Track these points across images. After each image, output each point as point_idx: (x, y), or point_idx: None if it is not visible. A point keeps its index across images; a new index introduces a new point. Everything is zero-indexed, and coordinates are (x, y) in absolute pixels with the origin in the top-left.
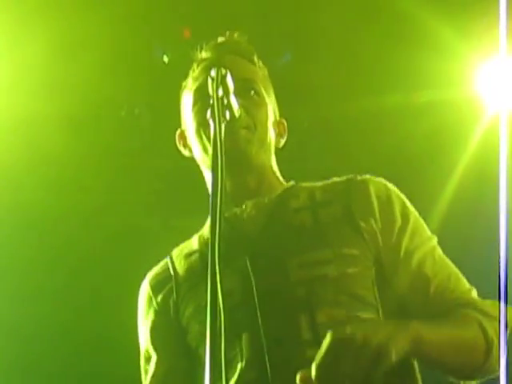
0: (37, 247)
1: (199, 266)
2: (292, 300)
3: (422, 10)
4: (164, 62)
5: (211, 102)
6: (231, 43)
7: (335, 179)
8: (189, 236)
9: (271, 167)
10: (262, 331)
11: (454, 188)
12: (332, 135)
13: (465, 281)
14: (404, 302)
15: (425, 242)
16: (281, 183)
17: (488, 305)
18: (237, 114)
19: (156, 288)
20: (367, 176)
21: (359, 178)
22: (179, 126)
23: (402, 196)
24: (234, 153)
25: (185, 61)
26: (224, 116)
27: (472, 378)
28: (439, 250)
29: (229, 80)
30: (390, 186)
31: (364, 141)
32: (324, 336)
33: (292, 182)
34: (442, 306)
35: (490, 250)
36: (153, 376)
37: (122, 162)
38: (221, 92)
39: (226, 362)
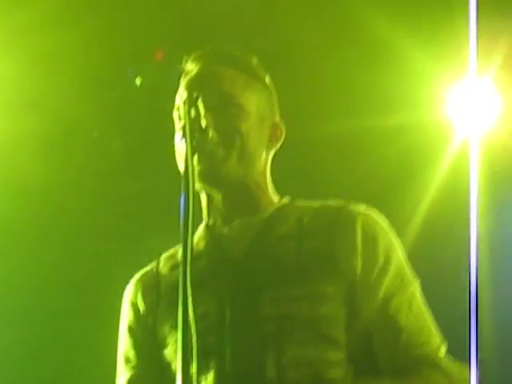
0: (8, 266)
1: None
2: (261, 335)
3: (392, 33)
4: (136, 85)
5: (183, 123)
6: (214, 53)
7: (329, 203)
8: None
9: (259, 180)
10: (228, 363)
11: (426, 210)
12: (303, 157)
13: (436, 336)
14: (373, 346)
15: (404, 287)
16: (271, 201)
17: (453, 367)
18: (210, 134)
19: (141, 291)
20: (359, 207)
21: (350, 208)
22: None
23: (391, 234)
24: (211, 172)
25: (157, 83)
26: (196, 137)
27: None
28: (418, 297)
29: (201, 102)
30: (381, 220)
31: (335, 164)
32: (288, 377)
33: (286, 200)
34: (407, 360)
35: (461, 272)
36: (128, 381)
37: (94, 183)
38: (193, 113)
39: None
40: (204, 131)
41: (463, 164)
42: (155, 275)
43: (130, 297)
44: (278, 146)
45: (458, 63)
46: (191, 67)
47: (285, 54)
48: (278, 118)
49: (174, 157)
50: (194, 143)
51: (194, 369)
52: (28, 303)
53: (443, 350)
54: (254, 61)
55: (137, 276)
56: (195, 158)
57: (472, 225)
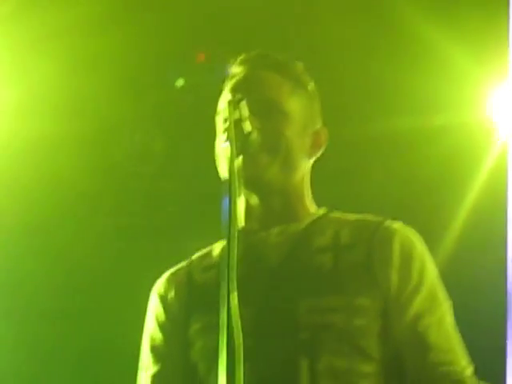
0: (43, 261)
1: (215, 283)
2: (296, 343)
3: (436, 35)
4: (178, 86)
5: (227, 125)
6: (260, 57)
7: (366, 218)
8: None
9: (299, 188)
10: (262, 369)
11: (467, 211)
12: (345, 157)
13: (463, 357)
14: (402, 361)
15: (435, 307)
16: (307, 211)
17: None
18: (254, 138)
19: (173, 287)
20: (396, 224)
21: (388, 224)
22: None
23: (426, 253)
24: (254, 178)
25: (199, 85)
26: (240, 140)
27: None
28: (448, 318)
29: (245, 104)
30: (417, 239)
31: (378, 164)
32: None
33: (323, 210)
34: (434, 376)
35: (500, 277)
36: (153, 376)
37: (134, 184)
38: (237, 115)
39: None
40: (248, 134)
41: (505, 164)
42: (188, 274)
43: (161, 291)
44: (320, 153)
45: (502, 64)
46: (237, 70)
47: (328, 56)
48: (320, 124)
49: (215, 159)
50: (238, 145)
51: (240, 373)
52: (58, 302)
53: (469, 370)
54: (300, 67)
55: (168, 273)
56: (239, 160)
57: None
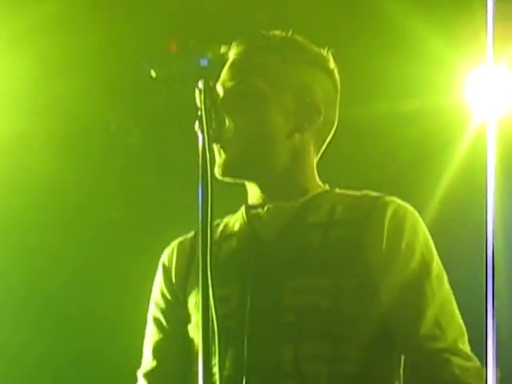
0: (29, 265)
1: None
2: (280, 325)
3: (410, 19)
4: (151, 77)
5: (199, 113)
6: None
7: (367, 193)
8: None
9: (295, 165)
10: (245, 351)
11: (442, 195)
12: None
13: (457, 331)
14: (390, 343)
15: (427, 279)
16: (307, 188)
17: (474, 358)
18: (226, 125)
19: (175, 258)
20: (392, 199)
21: (384, 199)
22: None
23: (420, 227)
24: (227, 165)
25: (173, 75)
26: (212, 127)
27: None
28: (442, 289)
29: (217, 91)
30: (410, 213)
31: (352, 148)
32: (303, 368)
33: (326, 187)
34: (422, 352)
35: (477, 258)
36: (155, 343)
37: (112, 178)
38: (209, 104)
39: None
40: (219, 124)
41: (480, 148)
42: (192, 246)
43: (165, 261)
44: (316, 125)
45: (476, 48)
46: (229, 55)
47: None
48: (321, 96)
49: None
50: (211, 134)
51: (215, 360)
52: (42, 299)
53: (460, 345)
54: (298, 40)
55: (177, 240)
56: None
57: (489, 210)
